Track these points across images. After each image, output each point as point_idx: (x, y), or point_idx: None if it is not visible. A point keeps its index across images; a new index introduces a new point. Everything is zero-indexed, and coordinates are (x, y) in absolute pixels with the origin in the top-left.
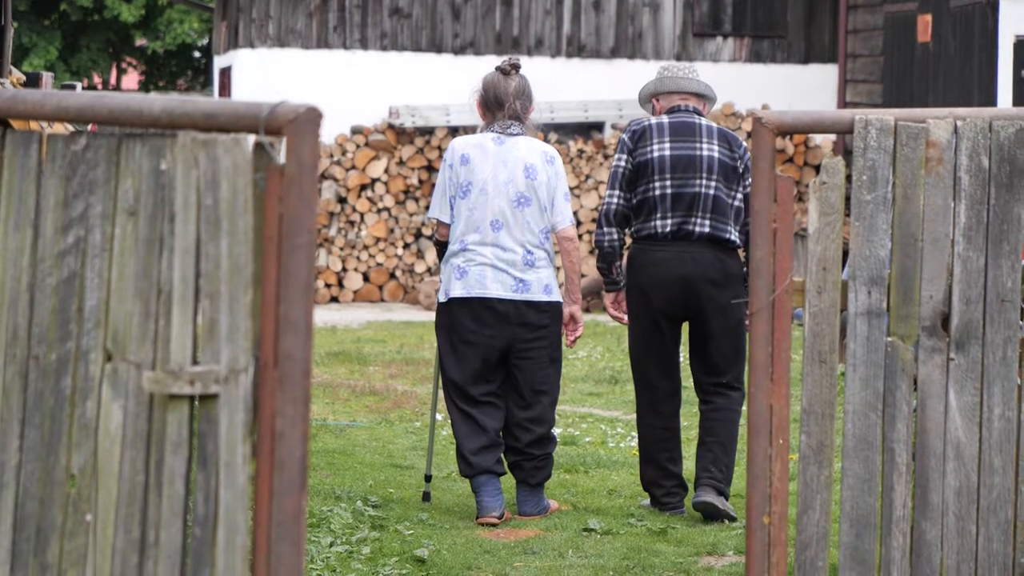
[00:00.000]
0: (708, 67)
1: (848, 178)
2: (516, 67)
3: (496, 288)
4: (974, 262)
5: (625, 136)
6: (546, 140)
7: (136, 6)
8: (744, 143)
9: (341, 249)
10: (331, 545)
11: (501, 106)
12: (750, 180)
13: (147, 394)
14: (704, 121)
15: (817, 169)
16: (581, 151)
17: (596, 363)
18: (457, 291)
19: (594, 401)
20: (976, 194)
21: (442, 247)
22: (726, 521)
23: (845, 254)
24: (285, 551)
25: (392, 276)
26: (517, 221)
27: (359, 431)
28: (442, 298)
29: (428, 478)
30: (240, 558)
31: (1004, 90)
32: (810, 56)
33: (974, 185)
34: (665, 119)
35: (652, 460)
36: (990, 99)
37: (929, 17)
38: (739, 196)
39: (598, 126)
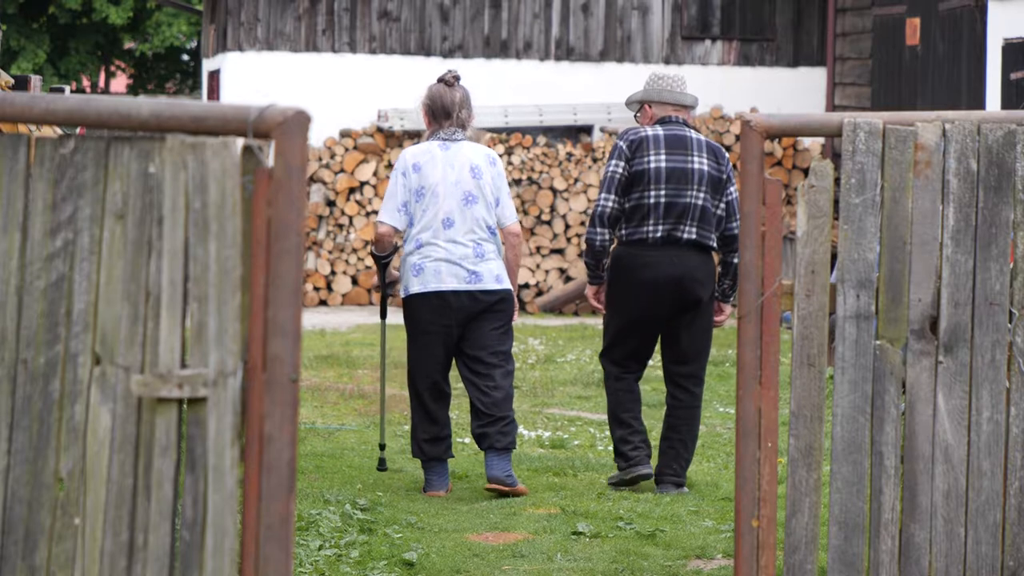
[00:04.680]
0: (697, 70)
1: (837, 181)
2: (457, 78)
3: (451, 281)
4: (962, 265)
5: (623, 144)
6: (535, 143)
7: (124, 9)
8: (727, 155)
9: (330, 252)
10: (320, 548)
11: (448, 116)
12: (733, 188)
13: (135, 397)
14: (694, 134)
15: (806, 172)
16: (570, 154)
17: (585, 366)
18: (415, 287)
19: (583, 404)
20: (964, 197)
21: (380, 259)
22: (709, 523)
23: (833, 257)
24: (273, 554)
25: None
26: (466, 218)
27: (347, 434)
28: (402, 293)
29: (382, 447)
30: (228, 561)
31: (992, 93)
32: (798, 59)
33: (962, 188)
34: (660, 131)
35: (620, 420)
36: (978, 102)
37: (917, 20)
38: (722, 206)
39: (587, 129)
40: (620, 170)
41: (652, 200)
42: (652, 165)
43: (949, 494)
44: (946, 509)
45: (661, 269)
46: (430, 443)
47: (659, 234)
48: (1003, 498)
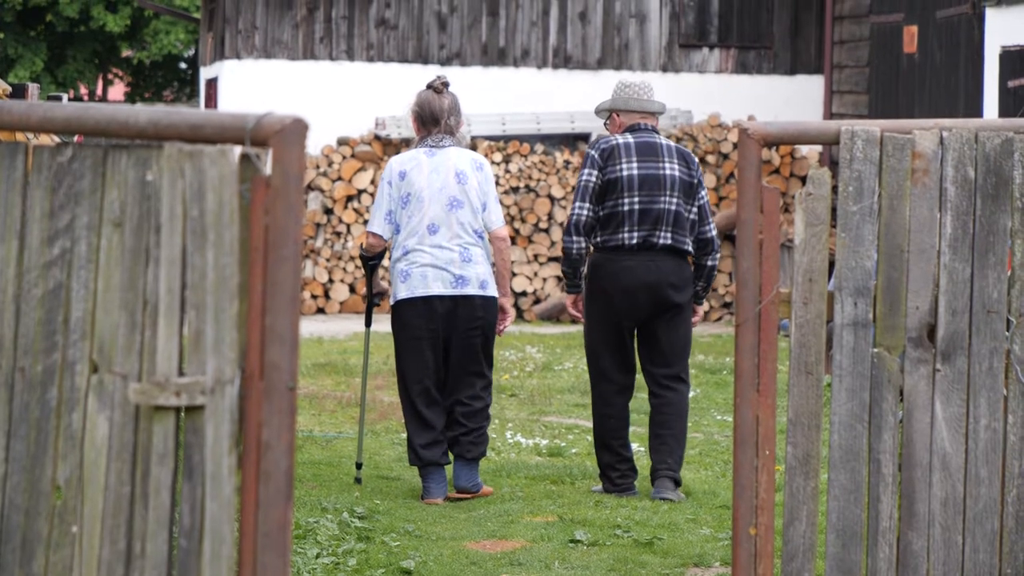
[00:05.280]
0: (694, 78)
1: (834, 189)
2: (447, 85)
3: (437, 286)
4: (960, 273)
5: (595, 153)
6: (532, 151)
7: (122, 16)
8: (696, 160)
9: (327, 260)
10: (317, 556)
11: (437, 123)
12: (704, 192)
13: (133, 405)
14: (663, 140)
15: (803, 180)
16: (567, 162)
17: (582, 374)
18: (402, 293)
19: (580, 412)
20: (962, 205)
21: (368, 259)
22: (707, 531)
23: (831, 265)
24: (271, 562)
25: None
26: (451, 223)
27: (345, 442)
28: (392, 300)
29: (359, 466)
30: (226, 569)
31: (990, 101)
32: (796, 67)
33: (960, 196)
34: (631, 139)
35: (607, 447)
36: (976, 110)
37: (915, 28)
38: (694, 210)
39: (584, 137)
40: (593, 179)
41: (626, 207)
42: (624, 172)
43: (947, 502)
44: (944, 517)
45: (637, 274)
46: (426, 448)
47: (635, 240)
48: (1001, 506)
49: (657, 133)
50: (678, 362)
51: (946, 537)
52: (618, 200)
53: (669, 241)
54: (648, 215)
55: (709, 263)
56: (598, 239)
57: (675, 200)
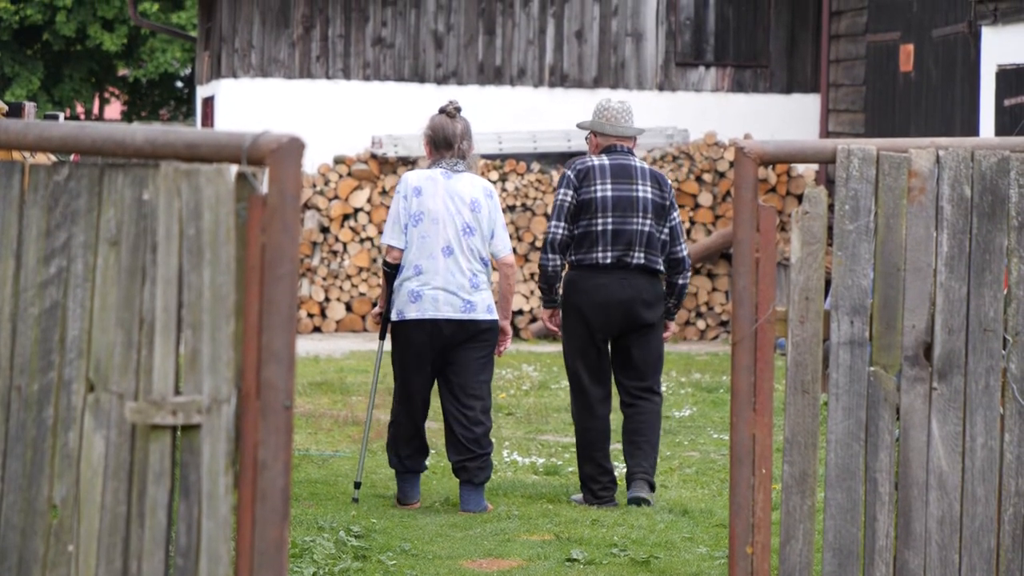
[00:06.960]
0: (691, 96)
1: (830, 208)
2: (459, 109)
3: (447, 310)
4: (956, 291)
5: (571, 174)
6: (528, 170)
7: (119, 35)
8: (669, 182)
9: (324, 279)
10: (313, 575)
11: (450, 147)
12: (676, 214)
13: (129, 424)
14: (638, 163)
15: (800, 199)
16: None
17: None
18: (412, 312)
19: None
20: (958, 223)
21: (391, 270)
22: (703, 550)
23: (827, 284)
24: None
25: (375, 306)
26: (464, 248)
27: (342, 461)
28: (395, 317)
29: (357, 485)
30: None
31: (986, 120)
32: (792, 86)
33: (956, 214)
34: (606, 161)
35: (590, 458)
36: (972, 129)
37: (911, 47)
38: (666, 230)
39: (581, 155)
40: (569, 198)
41: (600, 227)
42: (599, 194)
43: (943, 520)
44: (940, 535)
45: (611, 292)
46: (411, 457)
47: (608, 259)
48: (997, 524)
49: (633, 155)
50: (651, 376)
51: (943, 556)
52: (592, 220)
53: (642, 261)
54: (621, 235)
55: (680, 281)
56: (573, 257)
57: (648, 221)
